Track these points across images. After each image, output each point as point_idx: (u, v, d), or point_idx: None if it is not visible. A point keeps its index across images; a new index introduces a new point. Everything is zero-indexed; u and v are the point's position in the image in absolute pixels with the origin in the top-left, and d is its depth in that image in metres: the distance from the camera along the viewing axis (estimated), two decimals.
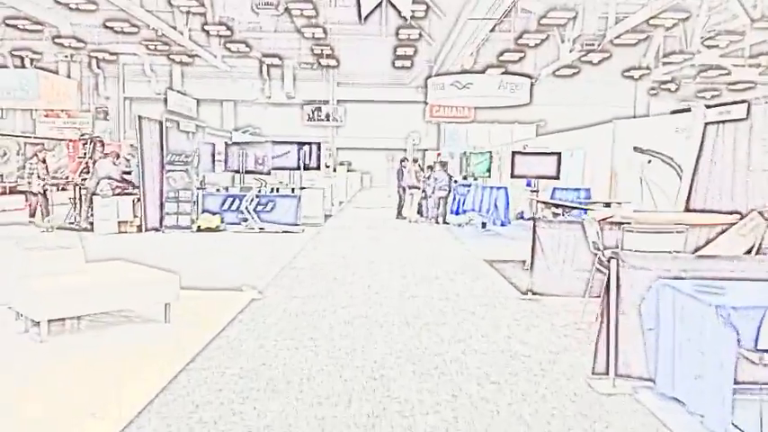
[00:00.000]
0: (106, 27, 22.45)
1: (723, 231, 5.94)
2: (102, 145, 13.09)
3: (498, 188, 13.34)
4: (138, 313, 5.64)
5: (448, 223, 15.11)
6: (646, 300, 3.93)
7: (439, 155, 29.17)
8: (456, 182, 16.87)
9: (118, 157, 13.22)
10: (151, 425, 3.41)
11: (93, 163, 12.43)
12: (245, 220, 13.19)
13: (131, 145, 14.52)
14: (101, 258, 8.85)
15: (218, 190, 14.08)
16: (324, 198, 15.52)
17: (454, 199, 15.86)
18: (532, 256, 6.83)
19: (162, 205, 12.38)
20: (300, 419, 3.49)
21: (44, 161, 14.60)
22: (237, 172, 14.41)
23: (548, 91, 27.58)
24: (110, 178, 12.16)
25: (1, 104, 24.15)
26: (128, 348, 4.86)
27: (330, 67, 29.89)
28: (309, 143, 15.17)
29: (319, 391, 3.94)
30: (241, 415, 3.54)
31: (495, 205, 13.05)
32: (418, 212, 16.17)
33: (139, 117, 12.01)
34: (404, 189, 16.61)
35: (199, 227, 12.62)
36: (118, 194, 12.06)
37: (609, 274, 3.95)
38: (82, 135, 13.79)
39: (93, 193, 12.06)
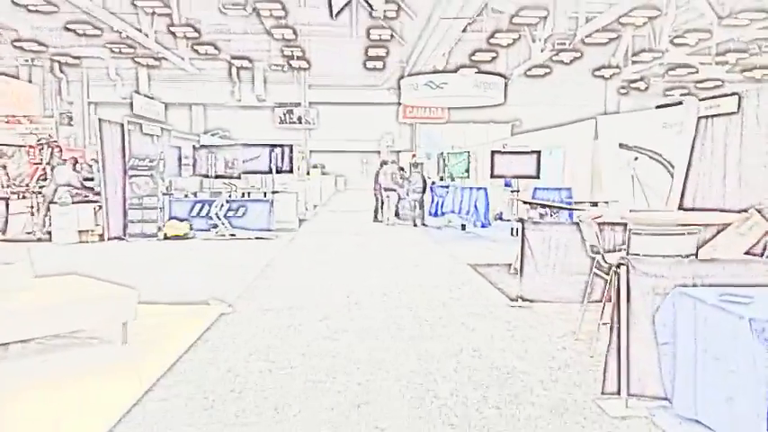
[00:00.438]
0: (68, 30, 21.56)
1: (719, 232, 5.61)
2: (60, 150, 12.35)
3: (478, 189, 12.96)
4: (93, 333, 5.07)
5: (426, 225, 14.69)
6: (660, 310, 3.52)
7: (414, 156, 28.85)
8: (434, 183, 16.47)
9: (76, 162, 12.52)
10: None
11: (51, 169, 11.71)
12: (216, 226, 12.59)
13: (97, 151, 13.82)
14: (58, 270, 8.20)
15: (186, 195, 13.45)
16: (297, 202, 14.98)
17: (432, 201, 15.46)
18: (521, 261, 6.43)
19: (125, 213, 11.71)
20: None
21: (4, 167, 13.78)
22: (206, 176, 13.77)
23: (520, 91, 27.50)
24: (69, 185, 11.46)
25: None
26: (79, 376, 4.30)
27: (301, 69, 29.35)
28: (281, 146, 14.61)
29: (296, 423, 3.45)
30: None
31: (476, 207, 12.67)
32: (396, 215, 15.74)
33: (99, 120, 11.35)
34: (380, 191, 16.15)
35: (165, 235, 11.99)
36: (78, 202, 11.36)
37: (618, 283, 3.54)
38: (38, 140, 12.99)
39: (51, 201, 11.35)
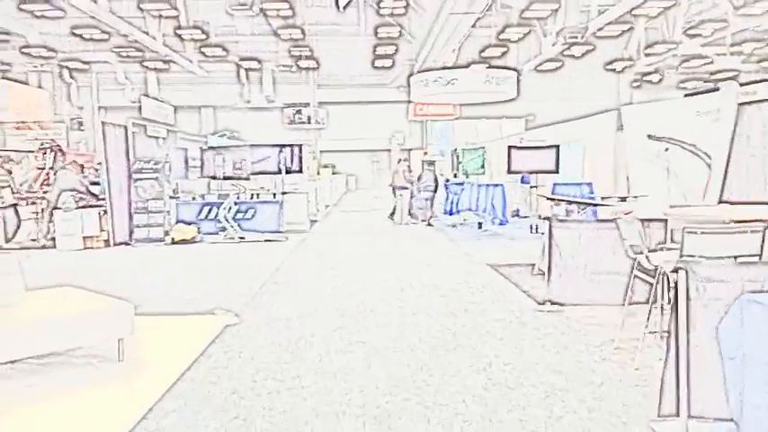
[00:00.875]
0: (74, 35, 21.29)
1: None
2: (64, 154, 12.01)
3: (495, 185, 12.48)
4: (87, 350, 4.66)
5: (432, 225, 14.15)
6: (725, 320, 3.05)
7: (425, 153, 28.39)
8: (448, 180, 16.00)
9: (83, 168, 12.18)
10: None
11: (55, 174, 11.37)
12: (224, 229, 12.21)
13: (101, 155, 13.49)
14: (61, 279, 7.84)
15: (193, 198, 13.07)
16: (308, 203, 14.56)
17: (447, 198, 14.98)
18: (549, 261, 5.96)
19: (131, 217, 11.35)
20: None
21: (10, 172, 13.50)
22: (214, 178, 13.39)
23: (531, 86, 26.92)
24: (73, 190, 11.12)
25: None
26: (70, 398, 3.90)
27: (310, 69, 28.97)
28: (290, 146, 14.20)
29: None
30: None
31: (493, 204, 12.19)
32: (409, 214, 15.24)
33: (103, 123, 11.00)
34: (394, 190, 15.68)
35: (173, 239, 11.61)
36: (82, 207, 11.01)
37: (676, 290, 3.07)
38: (41, 145, 12.67)
39: (55, 207, 11.02)
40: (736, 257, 3.51)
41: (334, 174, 29.72)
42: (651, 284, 4.33)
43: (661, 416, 3.22)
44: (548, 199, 9.27)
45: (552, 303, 5.92)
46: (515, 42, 22.65)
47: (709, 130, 6.72)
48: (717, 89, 6.75)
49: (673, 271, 3.10)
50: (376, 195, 26.45)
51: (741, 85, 6.51)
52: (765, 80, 6.28)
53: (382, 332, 5.21)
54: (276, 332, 5.26)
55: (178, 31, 23.04)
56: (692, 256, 3.47)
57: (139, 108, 24.53)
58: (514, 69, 22.10)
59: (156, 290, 7.36)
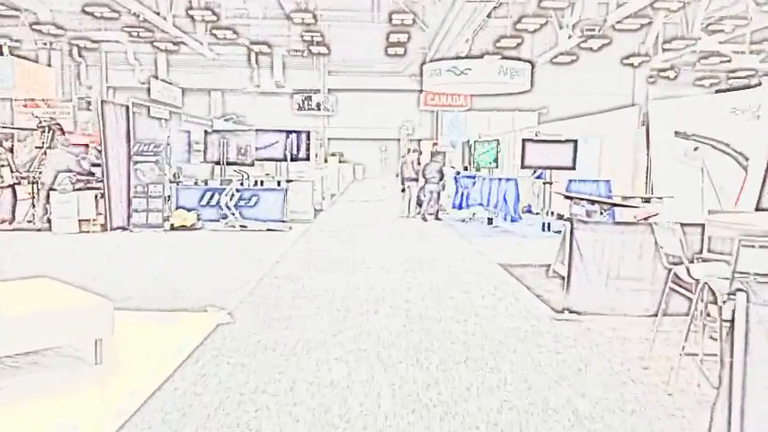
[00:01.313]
0: (85, 12, 20.85)
1: None
2: (63, 132, 11.59)
3: (507, 180, 11.98)
4: (62, 350, 4.25)
5: (440, 219, 13.65)
6: None
7: (435, 144, 27.85)
8: (458, 173, 15.51)
9: (86, 148, 11.73)
10: None
11: (44, 153, 10.97)
12: (225, 216, 11.80)
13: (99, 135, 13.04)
14: (55, 263, 7.51)
15: (195, 183, 12.66)
16: (314, 191, 14.12)
17: (457, 192, 14.49)
18: (569, 266, 5.52)
19: (129, 201, 10.95)
20: None
21: (11, 151, 13.09)
22: (218, 163, 12.96)
23: (545, 79, 26.33)
24: (69, 171, 10.72)
25: None
26: (37, 409, 3.49)
27: (321, 54, 28.51)
28: (297, 132, 13.75)
29: None
30: None
31: (505, 199, 11.71)
32: (418, 204, 14.69)
33: (102, 102, 10.58)
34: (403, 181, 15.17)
35: (172, 225, 11.22)
36: (78, 189, 10.63)
37: (733, 316, 2.62)
38: (39, 122, 12.25)
39: (51, 188, 10.63)
40: None
41: (341, 162, 29.25)
42: (688, 298, 3.89)
43: None
44: (566, 197, 8.79)
45: (570, 312, 5.49)
46: (531, 33, 22.09)
47: (747, 128, 6.24)
48: (758, 84, 6.25)
49: (732, 294, 2.65)
50: (383, 185, 26.00)
51: None
52: None
53: (386, 338, 4.78)
54: (271, 335, 4.84)
55: (189, 12, 22.62)
56: (746, 273, 3.02)
57: (148, 89, 24.19)
58: (529, 61, 21.53)
59: (148, 279, 6.96)
